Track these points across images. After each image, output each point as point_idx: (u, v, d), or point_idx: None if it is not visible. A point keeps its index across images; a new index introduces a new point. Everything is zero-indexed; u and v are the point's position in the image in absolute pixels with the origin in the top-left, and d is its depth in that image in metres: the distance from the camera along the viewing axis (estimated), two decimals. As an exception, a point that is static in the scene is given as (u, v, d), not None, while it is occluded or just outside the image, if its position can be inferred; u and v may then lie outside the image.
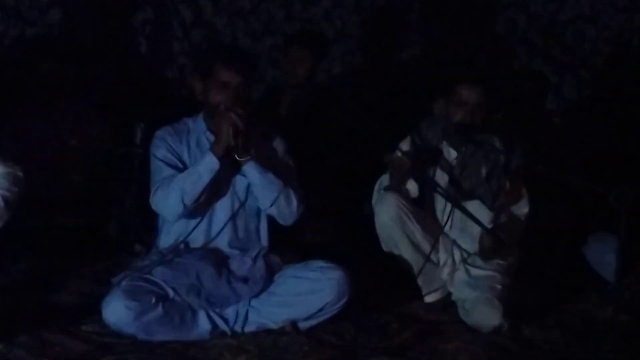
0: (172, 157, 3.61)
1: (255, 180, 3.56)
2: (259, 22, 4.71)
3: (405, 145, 3.88)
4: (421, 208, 3.89)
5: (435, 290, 3.90)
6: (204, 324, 3.48)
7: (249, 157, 3.57)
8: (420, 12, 4.90)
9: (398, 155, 3.74)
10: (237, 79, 3.55)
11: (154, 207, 3.58)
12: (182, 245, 3.62)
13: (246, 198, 3.64)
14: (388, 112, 4.78)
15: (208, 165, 3.51)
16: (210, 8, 4.87)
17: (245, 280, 3.53)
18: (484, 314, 3.68)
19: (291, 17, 4.75)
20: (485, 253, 3.82)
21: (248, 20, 4.70)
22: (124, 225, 4.22)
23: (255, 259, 3.57)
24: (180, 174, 3.55)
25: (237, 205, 3.64)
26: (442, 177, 3.90)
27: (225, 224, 3.63)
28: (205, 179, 3.51)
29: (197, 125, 3.69)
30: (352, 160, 4.59)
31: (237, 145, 3.50)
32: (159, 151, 3.63)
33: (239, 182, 3.63)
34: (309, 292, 3.52)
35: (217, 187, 3.58)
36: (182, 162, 3.62)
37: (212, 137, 3.60)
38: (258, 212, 3.67)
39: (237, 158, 3.53)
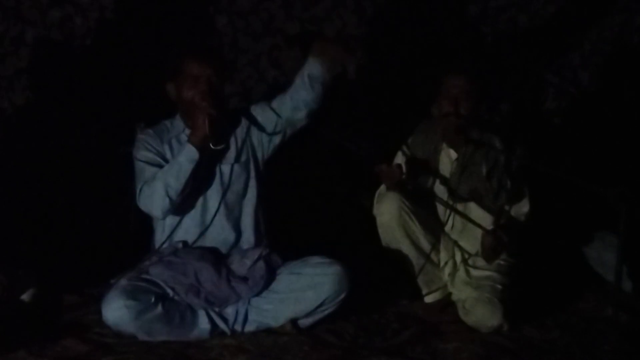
0: (155, 156, 3.63)
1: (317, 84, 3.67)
2: (259, 22, 4.70)
3: (398, 160, 3.91)
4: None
5: (435, 291, 3.91)
6: (203, 323, 3.48)
7: (224, 145, 3.59)
8: (420, 13, 4.89)
9: (387, 167, 3.75)
10: (207, 70, 3.59)
11: (141, 206, 3.59)
12: (180, 245, 3.62)
13: (230, 178, 3.66)
14: (388, 113, 4.78)
15: (187, 155, 3.52)
16: (211, 8, 4.86)
17: (245, 279, 3.53)
18: (484, 314, 3.68)
19: (291, 17, 4.74)
20: (487, 254, 3.82)
21: (248, 20, 4.68)
22: (123, 225, 4.21)
23: (255, 261, 3.57)
24: (161, 169, 3.56)
25: (225, 186, 3.66)
26: (439, 185, 3.91)
27: (218, 209, 3.64)
28: (187, 170, 3.51)
29: (175, 125, 3.72)
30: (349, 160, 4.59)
31: (213, 134, 3.52)
32: (140, 153, 3.64)
33: (223, 165, 3.66)
34: (308, 287, 3.53)
35: (204, 179, 3.61)
36: (165, 161, 3.63)
37: None
38: (246, 185, 3.69)
39: (212, 147, 3.55)
